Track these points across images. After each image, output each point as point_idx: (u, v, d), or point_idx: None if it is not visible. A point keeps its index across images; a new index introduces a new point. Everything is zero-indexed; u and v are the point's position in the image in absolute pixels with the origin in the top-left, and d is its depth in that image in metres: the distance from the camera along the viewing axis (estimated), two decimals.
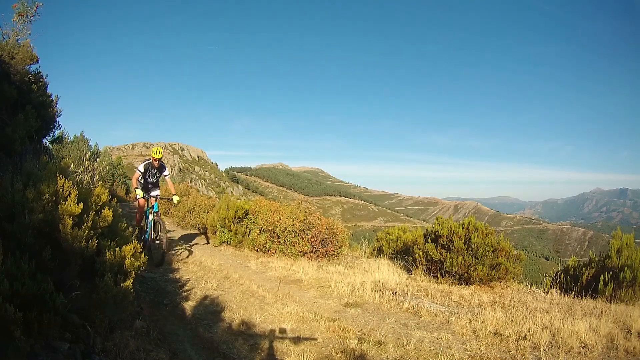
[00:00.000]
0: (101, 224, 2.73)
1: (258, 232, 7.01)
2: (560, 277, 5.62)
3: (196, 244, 7.70)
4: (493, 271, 5.13)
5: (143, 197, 5.69)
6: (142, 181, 5.85)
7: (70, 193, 2.51)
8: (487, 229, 5.47)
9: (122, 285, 2.46)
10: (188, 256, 6.09)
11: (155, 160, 5.73)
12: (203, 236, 8.68)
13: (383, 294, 4.56)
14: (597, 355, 3.01)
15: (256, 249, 6.94)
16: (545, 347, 3.06)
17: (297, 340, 3.20)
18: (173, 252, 6.24)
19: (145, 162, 5.80)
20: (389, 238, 8.54)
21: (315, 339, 3.23)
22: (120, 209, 3.33)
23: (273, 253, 6.77)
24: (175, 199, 5.98)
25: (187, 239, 8.24)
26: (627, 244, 5.04)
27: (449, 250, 5.41)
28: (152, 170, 5.87)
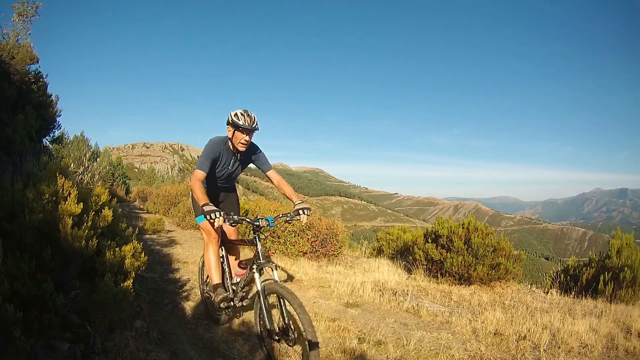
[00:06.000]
0: (101, 224, 2.73)
1: None
2: (560, 277, 5.63)
3: (197, 244, 7.70)
4: (493, 271, 5.14)
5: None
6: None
7: (70, 193, 2.51)
8: (487, 229, 5.48)
9: (122, 285, 2.46)
10: (188, 256, 6.10)
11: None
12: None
13: (383, 294, 4.56)
14: (597, 355, 3.01)
15: None
16: (545, 347, 3.06)
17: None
18: (173, 252, 6.23)
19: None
20: (389, 238, 8.54)
21: None
22: (120, 209, 3.33)
23: (273, 253, 6.77)
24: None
25: (188, 238, 8.24)
26: (627, 244, 5.04)
27: (449, 250, 5.42)
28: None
